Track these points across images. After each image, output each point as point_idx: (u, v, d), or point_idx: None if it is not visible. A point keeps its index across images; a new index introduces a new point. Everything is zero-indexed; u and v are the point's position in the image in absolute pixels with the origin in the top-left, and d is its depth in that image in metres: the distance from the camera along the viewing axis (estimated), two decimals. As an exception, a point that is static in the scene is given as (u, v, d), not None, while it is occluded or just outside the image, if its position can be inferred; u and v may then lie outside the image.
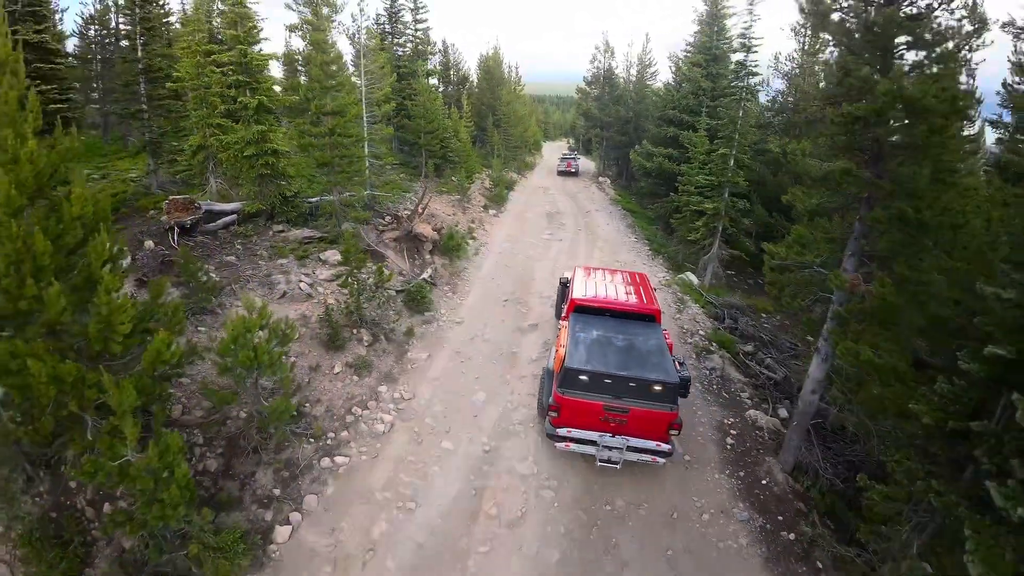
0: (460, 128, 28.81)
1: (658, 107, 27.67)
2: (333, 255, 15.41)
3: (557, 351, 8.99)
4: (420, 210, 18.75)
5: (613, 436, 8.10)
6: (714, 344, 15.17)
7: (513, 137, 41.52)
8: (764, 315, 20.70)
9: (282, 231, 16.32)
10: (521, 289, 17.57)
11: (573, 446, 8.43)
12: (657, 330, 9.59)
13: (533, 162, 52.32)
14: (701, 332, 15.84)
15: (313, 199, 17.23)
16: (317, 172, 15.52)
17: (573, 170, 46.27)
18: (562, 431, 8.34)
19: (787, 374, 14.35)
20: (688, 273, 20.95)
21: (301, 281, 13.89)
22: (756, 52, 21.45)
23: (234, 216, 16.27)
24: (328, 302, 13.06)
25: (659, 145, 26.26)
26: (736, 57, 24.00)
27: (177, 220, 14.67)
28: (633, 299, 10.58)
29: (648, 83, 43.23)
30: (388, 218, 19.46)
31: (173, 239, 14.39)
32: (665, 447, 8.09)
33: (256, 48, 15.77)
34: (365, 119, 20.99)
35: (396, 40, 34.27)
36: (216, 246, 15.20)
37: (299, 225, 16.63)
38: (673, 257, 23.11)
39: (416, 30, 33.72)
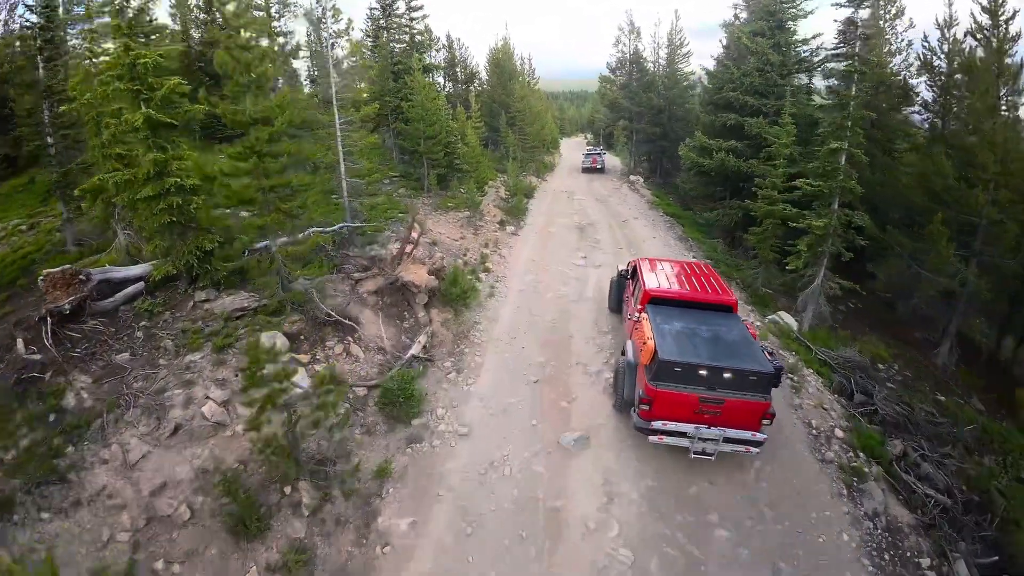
0: (468, 130, 23.31)
1: (711, 89, 21.71)
2: (271, 339, 10.11)
3: (645, 343, 8.23)
4: (407, 249, 13.26)
5: (709, 428, 7.80)
6: (861, 454, 9.42)
7: (529, 137, 35.88)
8: (881, 365, 14.94)
9: (206, 300, 11.06)
10: (556, 356, 11.99)
11: (666, 439, 8.04)
12: (738, 320, 9.33)
13: (552, 162, 46.51)
14: (839, 431, 10.06)
15: (259, 244, 11.89)
16: (247, 212, 10.31)
17: (599, 166, 41.84)
18: (656, 424, 7.96)
19: (959, 493, 9.01)
20: (782, 313, 15.10)
21: (210, 397, 8.58)
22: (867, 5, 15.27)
23: (141, 284, 11.11)
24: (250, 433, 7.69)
25: (716, 137, 20.26)
26: (800, 30, 17.92)
27: (52, 306, 9.61)
28: (708, 290, 10.16)
29: (680, 66, 37.03)
30: (385, 255, 14.05)
31: (46, 334, 9.31)
32: (759, 436, 7.81)
33: (149, 39, 10.53)
34: (338, 127, 15.63)
35: (391, 34, 28.88)
36: (111, 334, 10.07)
37: (232, 287, 11.33)
38: (750, 283, 17.22)
39: (411, 19, 28.26)
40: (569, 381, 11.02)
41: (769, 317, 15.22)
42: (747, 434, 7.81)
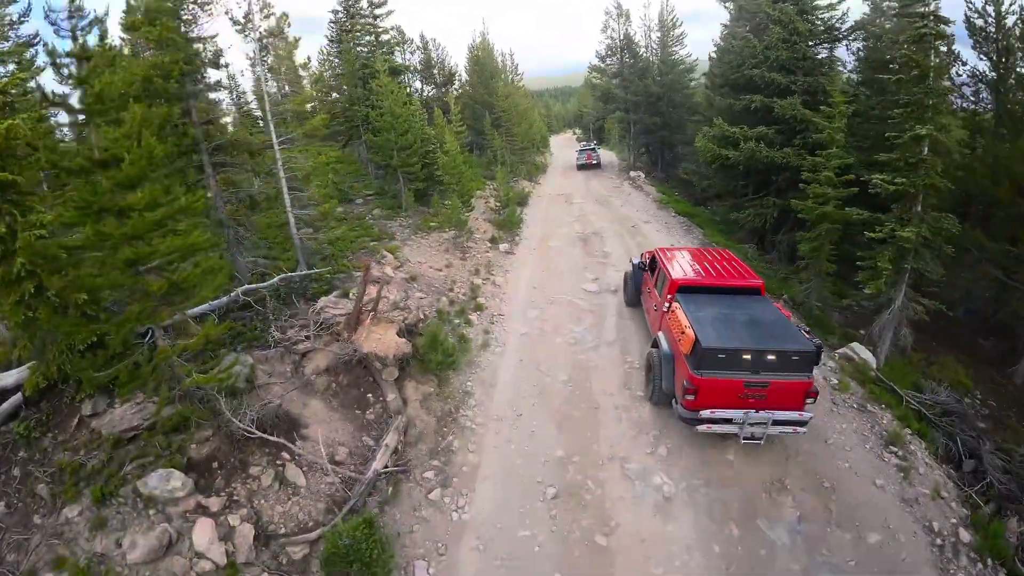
0: (447, 136, 19.80)
1: (727, 68, 18.17)
2: (164, 481, 6.68)
3: (684, 332, 7.91)
4: (362, 311, 9.75)
5: (757, 412, 7.58)
6: (989, 560, 6.30)
7: (517, 137, 32.38)
8: (964, 395, 11.78)
9: (93, 415, 7.61)
10: (579, 445, 8.54)
11: (714, 427, 7.76)
12: (768, 302, 9.09)
13: (544, 162, 42.96)
14: (964, 533, 7.16)
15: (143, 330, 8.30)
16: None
17: (595, 162, 38.66)
18: (704, 413, 7.67)
19: None
20: (856, 346, 11.69)
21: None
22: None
23: (19, 397, 7.69)
24: None
25: (737, 123, 16.75)
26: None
27: None
28: (734, 274, 9.91)
29: (674, 49, 33.49)
30: (342, 315, 10.53)
31: None
32: (806, 416, 7.72)
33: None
34: (277, 148, 12.15)
35: (356, 36, 25.31)
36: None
37: (130, 390, 7.81)
38: (803, 301, 13.76)
39: (375, 16, 24.69)
40: (604, 492, 7.55)
41: (839, 351, 11.77)
42: (794, 415, 7.68)
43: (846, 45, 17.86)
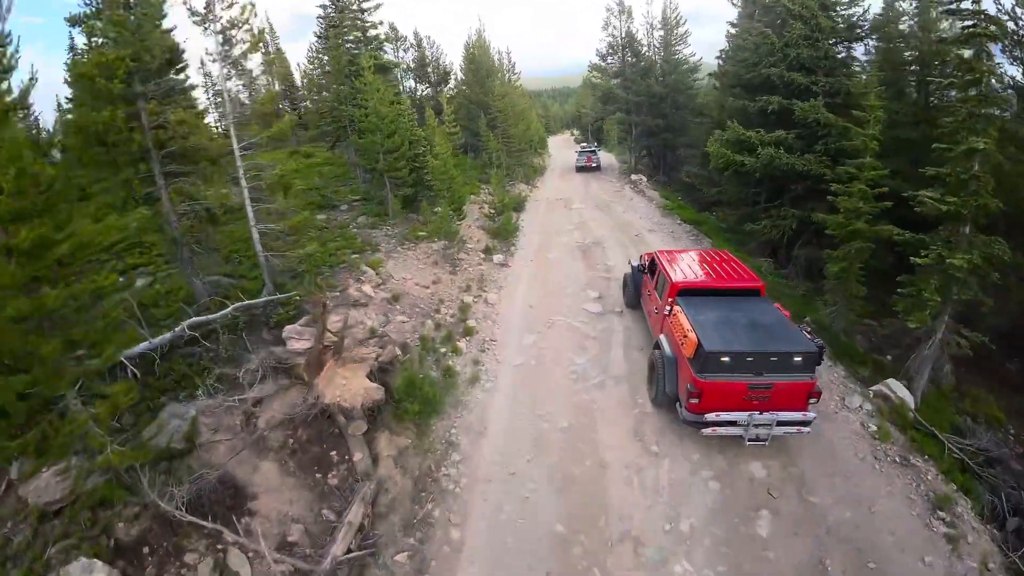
0: (437, 138, 18.27)
1: (742, 66, 16.65)
2: (86, 574, 5.21)
3: (686, 336, 7.85)
4: (324, 351, 8.25)
5: (762, 413, 7.54)
6: None
7: (514, 139, 30.86)
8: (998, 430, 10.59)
9: (20, 480, 6.24)
10: (583, 518, 7.07)
11: (720, 430, 7.66)
12: (768, 303, 9.05)
13: (542, 164, 41.47)
14: None
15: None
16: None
17: (594, 164, 37.36)
18: (709, 417, 7.57)
19: None
20: (892, 383, 10.25)
21: None
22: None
23: None
24: None
25: (753, 126, 15.28)
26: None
27: None
28: (734, 276, 9.82)
29: (677, 48, 32.01)
30: (302, 351, 9.02)
31: None
32: (809, 416, 7.69)
33: None
34: (238, 154, 10.65)
35: (342, 31, 23.74)
36: None
37: (43, 464, 6.33)
38: (827, 326, 12.33)
39: (362, 9, 23.12)
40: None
41: (874, 388, 10.34)
42: (798, 415, 7.65)
43: (864, 44, 16.48)
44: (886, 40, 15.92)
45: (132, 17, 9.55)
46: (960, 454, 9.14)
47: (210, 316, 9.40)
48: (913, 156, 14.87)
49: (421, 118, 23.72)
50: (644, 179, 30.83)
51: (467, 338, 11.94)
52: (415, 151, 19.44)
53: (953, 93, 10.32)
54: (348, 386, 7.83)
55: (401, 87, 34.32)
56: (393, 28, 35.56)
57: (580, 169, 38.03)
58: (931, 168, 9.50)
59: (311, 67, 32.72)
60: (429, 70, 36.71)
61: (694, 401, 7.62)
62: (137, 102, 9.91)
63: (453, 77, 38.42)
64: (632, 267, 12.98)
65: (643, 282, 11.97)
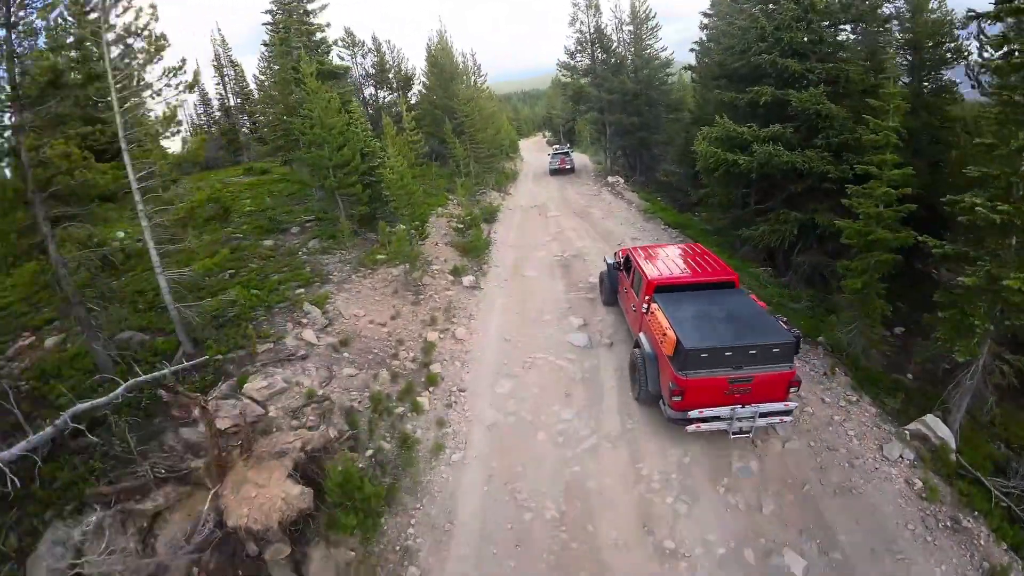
0: (391, 148, 16.11)
1: (730, 54, 14.82)
2: None
3: (665, 335, 7.78)
4: (222, 453, 6.09)
5: (744, 407, 7.49)
6: None
7: (482, 144, 28.82)
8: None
9: None
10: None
11: (703, 426, 7.62)
12: (744, 295, 9.06)
13: (515, 169, 39.51)
14: None
15: None
16: None
17: (568, 167, 35.62)
18: (693, 413, 7.51)
19: None
20: (930, 420, 8.57)
21: None
22: None
23: None
24: None
25: (741, 121, 13.53)
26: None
27: None
28: (707, 269, 9.89)
29: (648, 43, 30.39)
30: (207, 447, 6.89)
31: None
32: (790, 405, 7.66)
33: None
34: (135, 187, 8.47)
35: (286, 35, 21.42)
36: None
37: None
38: (844, 348, 10.59)
39: (306, 12, 20.86)
40: None
41: (910, 428, 8.62)
42: (779, 405, 7.56)
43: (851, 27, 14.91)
44: (872, 22, 14.34)
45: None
46: (1007, 500, 7.58)
47: (96, 401, 7.20)
48: (915, 147, 13.39)
49: (375, 129, 21.59)
50: (621, 180, 29.10)
51: (431, 389, 9.90)
52: (370, 164, 17.29)
53: (988, 78, 8.61)
54: (261, 496, 5.72)
55: (359, 95, 32.10)
56: (349, 33, 33.40)
57: (554, 172, 36.32)
58: (975, 168, 7.76)
59: (263, 77, 30.37)
60: (391, 76, 34.53)
61: (677, 399, 7.56)
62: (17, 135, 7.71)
63: (417, 82, 36.34)
64: (608, 264, 12.75)
65: (619, 279, 11.87)
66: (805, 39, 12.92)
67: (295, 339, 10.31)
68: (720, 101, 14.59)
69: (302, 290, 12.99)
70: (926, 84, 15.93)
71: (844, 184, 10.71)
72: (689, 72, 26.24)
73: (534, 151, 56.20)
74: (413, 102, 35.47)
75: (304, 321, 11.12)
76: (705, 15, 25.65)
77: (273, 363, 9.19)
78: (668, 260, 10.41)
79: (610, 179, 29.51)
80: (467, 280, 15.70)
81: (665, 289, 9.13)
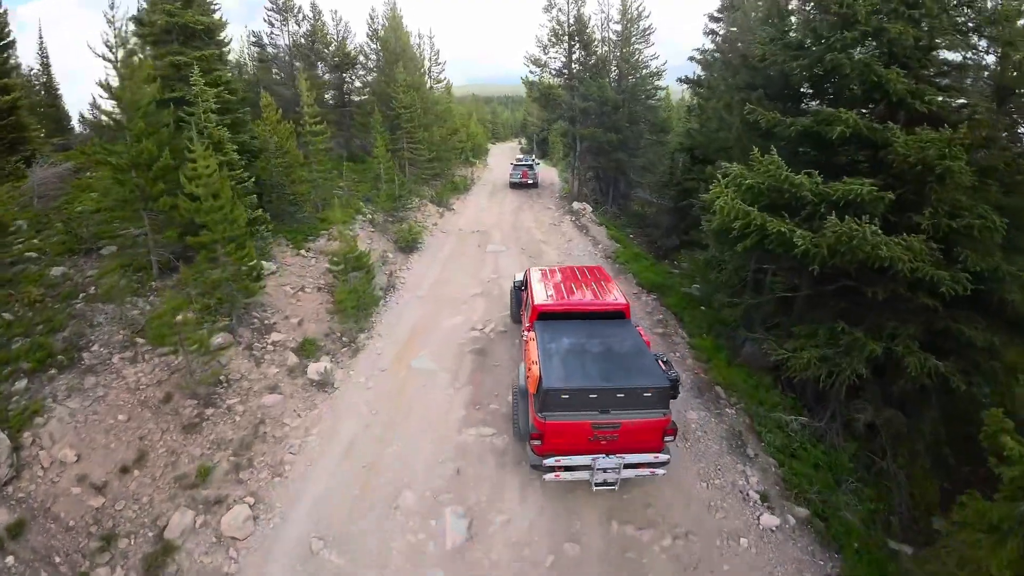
0: (197, 150, 9.33)
1: (779, 48, 8.90)
2: None
3: (529, 368, 6.93)
4: None
5: (607, 456, 6.46)
6: None
7: (422, 145, 22.33)
8: None
9: None
10: None
11: (564, 475, 6.60)
12: (630, 328, 7.89)
13: (471, 177, 33.11)
14: None
15: None
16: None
17: (530, 181, 30.31)
18: (549, 460, 6.47)
19: None
20: None
21: None
22: None
23: None
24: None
25: (793, 163, 7.39)
26: None
27: None
28: (599, 297, 8.83)
29: (638, 47, 24.53)
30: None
31: None
32: (663, 457, 6.58)
33: None
34: None
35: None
36: None
37: None
38: None
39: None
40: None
41: None
42: (648, 456, 6.53)
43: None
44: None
45: None
46: None
47: None
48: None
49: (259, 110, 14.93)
50: (588, 209, 23.16)
51: None
52: (204, 167, 10.65)
53: None
54: None
55: (289, 71, 25.26)
56: (284, -7, 26.42)
57: (515, 186, 30.53)
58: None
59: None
60: (329, 50, 27.56)
61: (536, 443, 6.46)
62: None
63: (366, 63, 29.47)
64: (514, 284, 11.58)
65: (523, 301, 10.28)
66: (917, 40, 6.99)
67: None
68: (747, 123, 8.55)
69: (22, 383, 6.48)
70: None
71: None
72: (684, 88, 20.43)
73: (507, 157, 49.92)
74: (357, 85, 28.82)
75: None
76: (713, 18, 19.87)
77: None
78: (561, 284, 9.35)
79: (575, 205, 23.50)
80: (315, 370, 9.35)
81: (549, 316, 8.10)
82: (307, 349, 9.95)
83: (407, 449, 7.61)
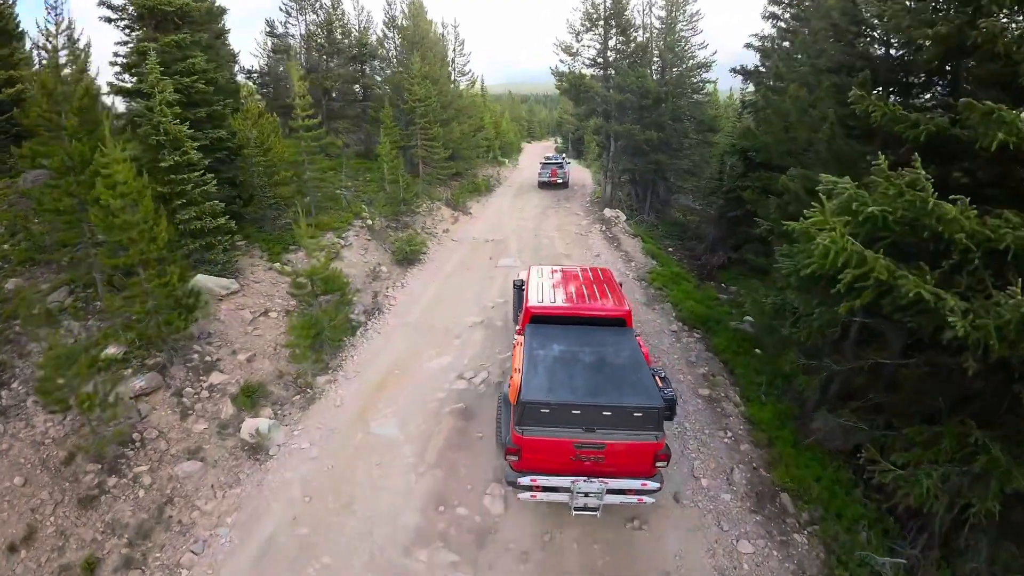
0: (117, 158, 7.49)
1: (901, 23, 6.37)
2: None
3: (513, 378, 6.42)
4: None
5: (589, 479, 5.86)
6: None
7: (436, 142, 20.32)
8: None
9: None
10: None
11: (541, 495, 6.09)
12: (629, 337, 7.15)
13: (496, 177, 30.97)
14: None
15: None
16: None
17: (560, 180, 28.73)
18: (525, 479, 5.93)
19: None
20: None
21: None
22: None
23: None
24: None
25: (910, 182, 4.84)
26: None
27: None
28: (599, 301, 8.06)
29: (684, 35, 21.74)
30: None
31: None
32: (652, 484, 5.91)
33: None
34: None
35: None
36: None
37: None
38: None
39: None
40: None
41: None
42: (636, 482, 5.89)
43: None
44: None
45: None
46: None
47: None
48: None
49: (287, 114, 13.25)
50: (622, 217, 20.63)
51: None
52: (118, 171, 8.94)
53: None
54: None
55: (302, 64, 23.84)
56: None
57: (543, 185, 28.60)
58: None
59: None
60: (344, 40, 25.92)
61: (512, 458, 5.97)
62: None
63: (384, 52, 27.71)
64: (515, 283, 10.09)
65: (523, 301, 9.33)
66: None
67: None
68: (842, 119, 5.94)
69: None
70: None
71: None
72: (740, 80, 17.62)
73: (538, 157, 47.59)
74: (377, 79, 27.13)
75: None
76: (777, 1, 16.98)
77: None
78: (561, 285, 8.66)
79: (607, 212, 21.00)
80: (250, 428, 7.42)
81: (542, 319, 7.45)
82: (249, 397, 8.04)
83: (334, 568, 5.53)
